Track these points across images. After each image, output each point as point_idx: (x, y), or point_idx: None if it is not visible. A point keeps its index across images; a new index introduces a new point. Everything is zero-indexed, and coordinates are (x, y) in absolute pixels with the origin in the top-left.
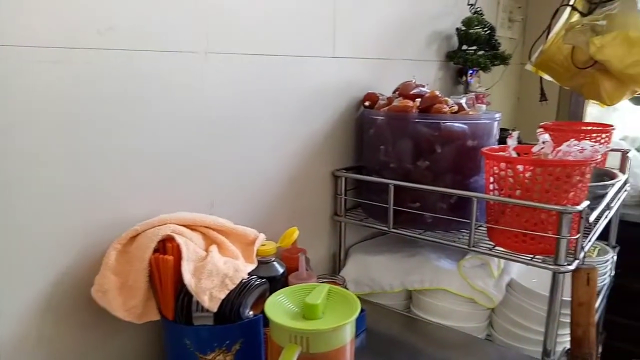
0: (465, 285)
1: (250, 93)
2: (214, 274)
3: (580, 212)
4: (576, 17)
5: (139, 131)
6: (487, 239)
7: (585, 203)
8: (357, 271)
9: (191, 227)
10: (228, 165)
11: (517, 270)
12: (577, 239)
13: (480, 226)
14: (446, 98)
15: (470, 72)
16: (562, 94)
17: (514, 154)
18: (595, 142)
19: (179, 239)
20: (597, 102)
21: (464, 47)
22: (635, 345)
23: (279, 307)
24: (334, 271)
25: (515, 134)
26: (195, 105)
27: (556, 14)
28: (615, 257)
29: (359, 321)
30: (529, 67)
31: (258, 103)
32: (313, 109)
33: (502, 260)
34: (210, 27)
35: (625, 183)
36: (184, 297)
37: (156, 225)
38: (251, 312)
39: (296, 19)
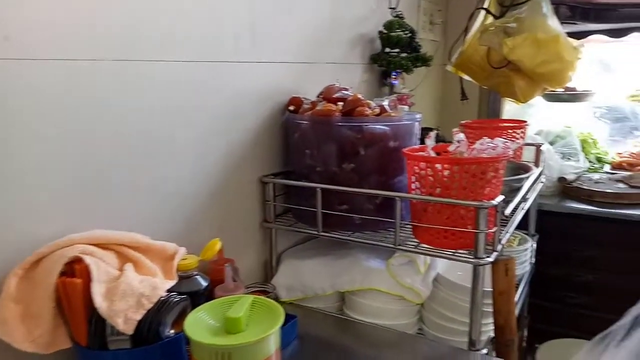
0: (394, 283)
1: (166, 102)
2: (128, 294)
3: (496, 206)
4: (490, 19)
5: (43, 147)
6: (414, 236)
7: (500, 197)
8: (289, 277)
9: (103, 246)
10: (145, 179)
11: (443, 265)
12: (494, 232)
13: (407, 225)
14: (368, 101)
15: (394, 74)
16: (482, 93)
17: (432, 154)
18: (511, 137)
19: (88, 260)
20: (513, 100)
21: (387, 49)
22: (558, 326)
23: (200, 324)
24: (266, 279)
25: (432, 134)
26: (105, 116)
27: (472, 16)
28: (534, 245)
29: (290, 328)
30: (449, 67)
31: (175, 112)
32: (236, 115)
33: (429, 257)
34: (114, 34)
35: (540, 175)
36: (96, 321)
37: (63, 246)
38: (172, 331)
39: (210, 23)
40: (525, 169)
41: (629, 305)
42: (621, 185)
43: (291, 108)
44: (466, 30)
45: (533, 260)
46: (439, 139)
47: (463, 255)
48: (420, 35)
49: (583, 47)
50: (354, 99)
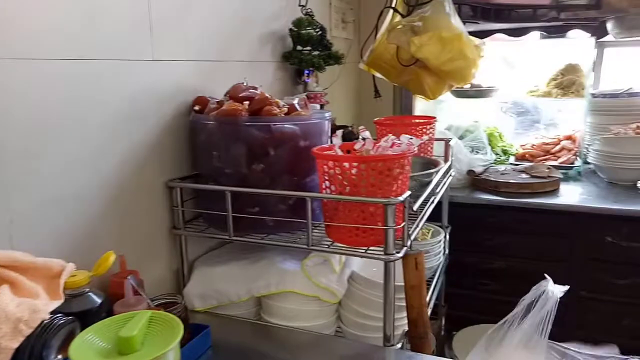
0: (309, 284)
1: (54, 103)
2: (2, 320)
3: (403, 202)
4: (398, 18)
5: None
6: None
7: (407, 193)
8: (202, 285)
9: None
10: (30, 187)
11: (360, 262)
12: (403, 227)
13: (321, 224)
14: (277, 100)
15: (307, 72)
16: (395, 90)
17: (340, 152)
18: (421, 133)
19: None
20: (422, 97)
21: (299, 47)
22: (475, 312)
23: (88, 347)
24: (178, 288)
25: (339, 132)
26: None
27: (381, 15)
28: (447, 237)
29: (203, 339)
30: (361, 65)
31: (65, 115)
32: (136, 116)
33: (344, 255)
34: None
35: (449, 169)
36: None
37: None
38: (60, 356)
39: (104, 19)
40: (435, 164)
41: None
42: (524, 175)
43: (197, 108)
44: (376, 28)
45: (447, 250)
46: (353, 137)
47: (375, 252)
48: (333, 34)
49: (485, 46)
50: (261, 97)
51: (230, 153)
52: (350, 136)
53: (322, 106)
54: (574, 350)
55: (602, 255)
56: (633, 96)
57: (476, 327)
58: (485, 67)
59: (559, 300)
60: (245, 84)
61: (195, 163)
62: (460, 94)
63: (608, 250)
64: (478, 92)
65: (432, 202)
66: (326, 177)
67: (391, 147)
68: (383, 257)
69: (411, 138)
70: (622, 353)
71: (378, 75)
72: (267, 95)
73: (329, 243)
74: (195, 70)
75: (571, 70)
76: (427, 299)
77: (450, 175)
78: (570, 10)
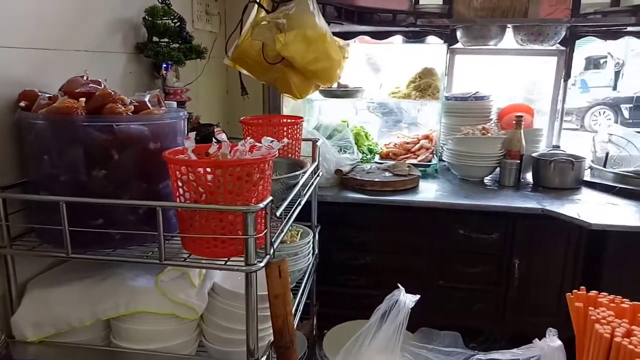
0: (165, 301)
1: None
2: None
3: (264, 208)
4: (263, 13)
5: None
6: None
7: (269, 199)
8: (36, 311)
9: None
10: None
11: (222, 273)
12: (264, 235)
13: (177, 236)
14: (123, 96)
15: (165, 66)
16: (265, 88)
17: (193, 157)
18: (288, 132)
19: None
20: (289, 95)
21: (155, 38)
22: (345, 308)
23: None
24: (6, 317)
25: (192, 134)
26: None
27: (246, 9)
28: (317, 236)
29: None
30: (226, 61)
31: None
32: None
33: None
34: None
35: (317, 169)
36: None
37: None
38: None
39: None
40: (301, 165)
41: (400, 282)
42: (387, 173)
43: (23, 104)
44: (241, 23)
45: (317, 250)
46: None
47: (236, 263)
48: (196, 26)
49: (349, 47)
50: (102, 93)
51: (64, 157)
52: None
53: (182, 103)
54: (426, 349)
55: (456, 247)
56: (479, 100)
57: (344, 325)
58: (352, 67)
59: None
60: (85, 78)
61: (24, 169)
62: (328, 93)
63: (460, 242)
64: (345, 93)
65: (299, 204)
66: (180, 184)
67: (250, 150)
68: (244, 268)
69: (272, 141)
70: (472, 334)
71: (244, 72)
72: (110, 90)
73: (186, 256)
74: (24, 60)
75: (428, 73)
76: (298, 300)
77: (318, 176)
78: (425, 18)
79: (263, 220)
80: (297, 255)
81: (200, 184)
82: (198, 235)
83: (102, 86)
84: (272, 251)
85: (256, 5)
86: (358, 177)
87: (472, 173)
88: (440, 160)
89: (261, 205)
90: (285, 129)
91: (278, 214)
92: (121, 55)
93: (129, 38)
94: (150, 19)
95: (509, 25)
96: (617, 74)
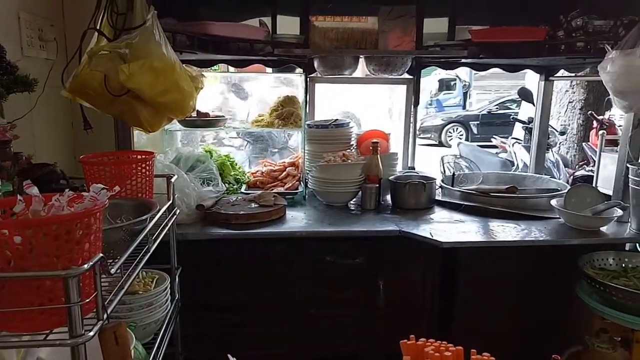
0: None
1: None
2: None
3: (91, 268)
4: (105, 42)
5: None
6: None
7: (98, 257)
8: None
9: None
10: None
11: None
12: (94, 298)
13: None
14: None
15: None
16: (116, 121)
17: None
18: (137, 171)
19: None
20: (140, 129)
21: None
22: (218, 350)
23: None
24: None
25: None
26: None
27: (84, 36)
28: (177, 280)
29: None
30: (64, 93)
31: None
32: None
33: None
34: None
35: (172, 207)
36: None
37: None
38: None
39: None
40: (150, 207)
41: (271, 315)
42: (253, 205)
43: None
44: (80, 51)
45: (177, 294)
46: (56, 177)
47: (59, 335)
48: (28, 53)
49: (204, 77)
50: None
51: None
52: (52, 176)
53: (5, 143)
54: None
55: (324, 274)
56: (339, 127)
57: None
58: (215, 96)
59: None
60: None
61: None
62: (189, 123)
63: (328, 269)
64: (206, 122)
65: (148, 250)
66: None
67: (69, 204)
68: (69, 341)
69: (102, 189)
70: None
71: (86, 104)
72: None
73: None
74: None
75: (289, 102)
76: (154, 353)
77: (175, 214)
78: (282, 47)
79: (91, 282)
80: (153, 305)
81: (7, 247)
82: (7, 310)
83: None
84: (105, 316)
85: (96, 33)
86: (222, 211)
87: (336, 199)
88: (307, 186)
89: (85, 266)
90: (134, 166)
91: (113, 270)
92: None
93: None
94: None
95: (361, 56)
96: (465, 94)
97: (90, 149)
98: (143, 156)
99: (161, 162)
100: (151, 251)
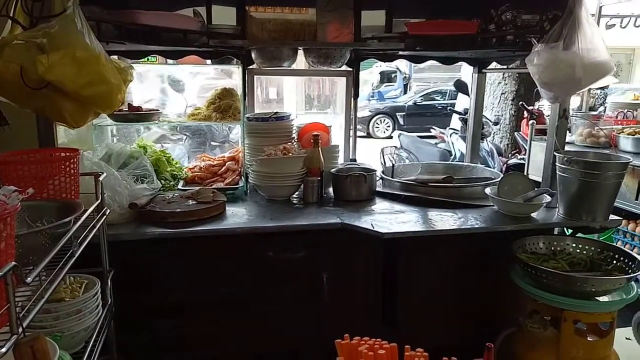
0: None
1: None
2: None
3: (1, 278)
4: (19, 30)
5: None
6: None
7: (8, 265)
8: None
9: None
10: None
11: None
12: (8, 310)
13: None
14: None
15: None
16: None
17: None
18: (60, 170)
19: None
20: (64, 124)
21: None
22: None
23: None
24: None
25: None
26: None
27: None
28: (109, 283)
29: None
30: None
31: None
32: None
33: None
34: None
35: (101, 207)
36: None
37: None
38: None
39: None
40: (74, 208)
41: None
42: (191, 202)
43: None
44: None
45: (110, 299)
46: None
47: None
48: None
49: (133, 69)
50: None
51: None
52: None
53: None
54: None
55: (267, 269)
56: (280, 120)
57: None
58: (150, 89)
59: None
60: None
61: None
62: (119, 117)
63: (270, 264)
64: (139, 116)
65: (72, 255)
66: None
67: None
68: None
69: (15, 191)
70: (292, 356)
71: (2, 98)
72: None
73: None
74: None
75: (227, 94)
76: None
77: (104, 214)
78: (218, 38)
79: (3, 293)
80: (81, 312)
81: None
82: None
83: None
84: (20, 329)
85: (9, 21)
86: (157, 209)
87: (278, 193)
88: (248, 181)
89: None
90: (56, 165)
91: (30, 279)
92: None
93: None
94: None
95: (300, 48)
96: (405, 86)
97: (9, 147)
98: (67, 154)
99: (89, 160)
100: (76, 255)
